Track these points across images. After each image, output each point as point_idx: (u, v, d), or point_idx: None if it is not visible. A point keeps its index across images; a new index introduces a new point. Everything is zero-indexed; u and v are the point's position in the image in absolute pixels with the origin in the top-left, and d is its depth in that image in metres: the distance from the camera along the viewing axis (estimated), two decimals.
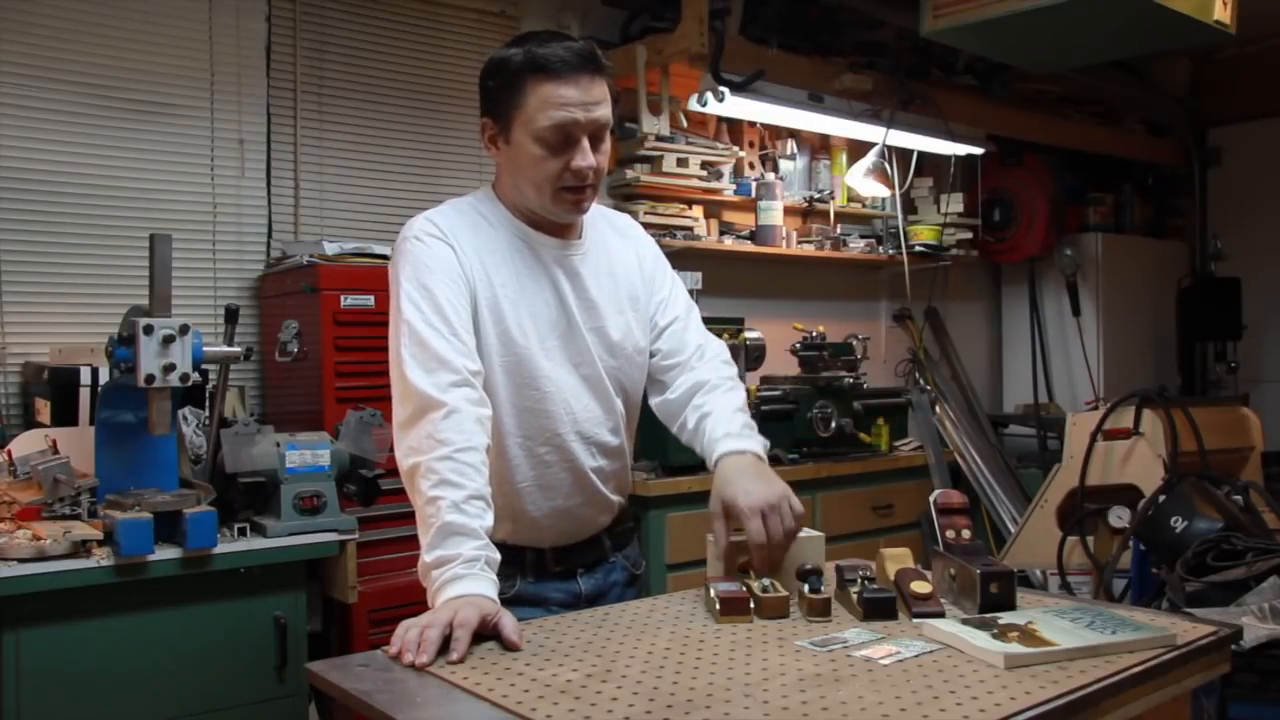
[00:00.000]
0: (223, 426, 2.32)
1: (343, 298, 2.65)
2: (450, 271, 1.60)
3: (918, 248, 4.41)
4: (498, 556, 1.45)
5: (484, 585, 1.39)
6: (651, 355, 1.82)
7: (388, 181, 3.31)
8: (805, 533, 1.61)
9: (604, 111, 1.61)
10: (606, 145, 1.65)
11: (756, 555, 1.54)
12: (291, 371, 2.77)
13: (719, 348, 1.87)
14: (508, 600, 1.48)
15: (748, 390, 2.16)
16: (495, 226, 1.68)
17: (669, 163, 3.63)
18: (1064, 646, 1.26)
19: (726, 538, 1.57)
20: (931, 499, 1.62)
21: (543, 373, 1.66)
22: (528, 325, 1.65)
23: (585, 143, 1.59)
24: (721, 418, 1.71)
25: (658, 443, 3.04)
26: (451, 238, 1.63)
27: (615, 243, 1.81)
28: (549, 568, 1.74)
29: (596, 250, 1.76)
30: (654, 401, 1.84)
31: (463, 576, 1.39)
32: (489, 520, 1.46)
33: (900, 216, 4.40)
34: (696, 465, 3.08)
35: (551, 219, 1.68)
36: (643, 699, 1.14)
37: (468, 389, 1.53)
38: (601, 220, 1.81)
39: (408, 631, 1.32)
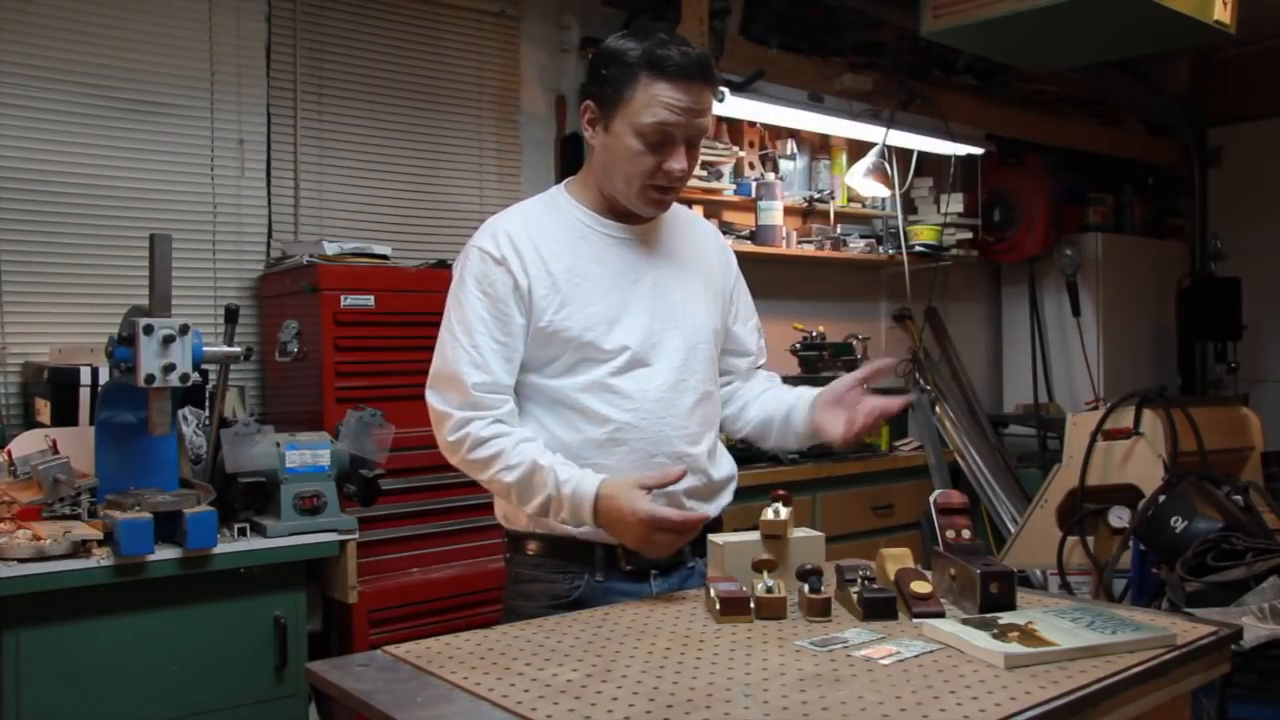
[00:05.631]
0: (223, 426, 2.33)
1: (343, 298, 2.65)
2: (494, 287, 1.64)
3: (918, 248, 4.40)
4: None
5: (588, 474, 1.56)
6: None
7: (388, 181, 3.31)
8: (805, 533, 1.62)
9: (706, 121, 1.65)
10: (697, 151, 1.68)
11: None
12: (291, 371, 2.77)
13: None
14: (570, 602, 1.56)
15: None
16: (563, 217, 1.71)
17: None
18: (1064, 646, 1.26)
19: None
20: (931, 499, 1.62)
21: (611, 356, 1.65)
22: (594, 308, 1.65)
23: (682, 147, 1.62)
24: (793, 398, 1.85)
25: None
26: (510, 249, 1.65)
27: (682, 222, 1.83)
28: (619, 565, 1.66)
29: (663, 227, 1.77)
30: None
31: (575, 479, 1.55)
32: (541, 449, 1.60)
33: (900, 216, 4.40)
34: None
35: (631, 210, 1.70)
36: (643, 699, 1.14)
37: (480, 410, 1.62)
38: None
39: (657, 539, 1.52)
